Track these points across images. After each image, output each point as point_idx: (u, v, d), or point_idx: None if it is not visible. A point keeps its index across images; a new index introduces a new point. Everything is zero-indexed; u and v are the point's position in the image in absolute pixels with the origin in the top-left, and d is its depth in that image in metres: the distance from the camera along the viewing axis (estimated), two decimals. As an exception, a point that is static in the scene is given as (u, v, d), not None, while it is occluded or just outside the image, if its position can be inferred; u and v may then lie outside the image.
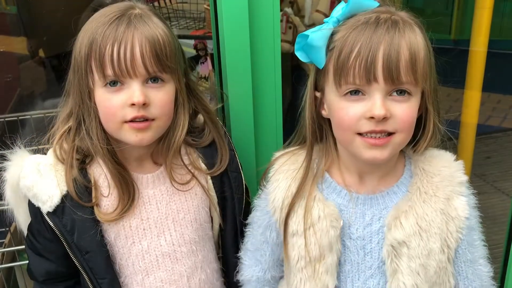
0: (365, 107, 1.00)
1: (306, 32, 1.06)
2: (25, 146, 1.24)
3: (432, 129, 1.10)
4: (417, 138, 1.11)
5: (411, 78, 0.99)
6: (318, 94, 1.12)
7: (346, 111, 1.02)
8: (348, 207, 1.13)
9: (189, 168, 1.27)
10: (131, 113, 1.11)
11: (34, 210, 1.19)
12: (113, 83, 1.10)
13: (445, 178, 1.12)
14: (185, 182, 1.26)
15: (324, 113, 1.12)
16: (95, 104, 1.14)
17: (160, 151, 1.24)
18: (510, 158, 3.74)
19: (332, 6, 3.52)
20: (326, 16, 3.52)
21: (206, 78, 3.18)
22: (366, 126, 1.01)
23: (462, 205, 1.11)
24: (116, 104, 1.11)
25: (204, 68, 3.17)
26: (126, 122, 1.12)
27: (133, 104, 1.09)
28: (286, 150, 1.24)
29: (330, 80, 1.05)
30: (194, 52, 3.12)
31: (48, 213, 1.17)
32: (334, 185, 1.15)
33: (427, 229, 1.08)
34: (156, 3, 3.15)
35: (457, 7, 5.31)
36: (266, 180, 1.23)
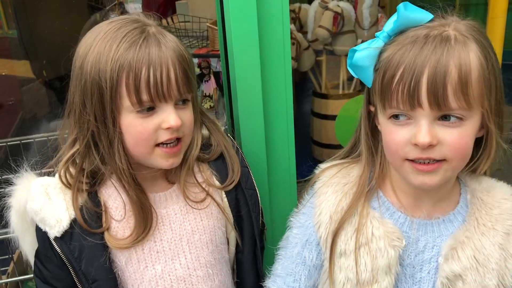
0: (411, 133, 0.94)
1: (354, 48, 1.01)
2: (30, 169, 1.19)
3: (495, 148, 1.01)
4: (475, 158, 1.03)
5: (462, 102, 0.90)
6: (372, 108, 1.06)
7: (393, 135, 0.97)
8: (402, 230, 1.05)
9: (203, 186, 1.22)
10: (165, 136, 1.08)
11: (41, 235, 1.13)
12: (148, 108, 1.06)
13: (505, 211, 1.04)
14: (199, 200, 1.21)
15: (379, 127, 1.06)
16: (120, 129, 1.08)
17: (174, 169, 1.19)
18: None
19: (335, 21, 3.53)
20: (329, 31, 3.53)
21: (210, 97, 3.16)
22: (413, 153, 0.94)
23: None
24: (149, 128, 1.07)
25: (208, 87, 3.15)
26: (157, 145, 1.09)
27: (168, 128, 1.07)
28: (335, 163, 1.17)
29: (378, 100, 0.99)
30: (198, 70, 3.10)
31: (56, 238, 1.11)
32: (388, 204, 1.08)
33: (485, 264, 1.01)
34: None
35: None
36: (308, 193, 1.15)
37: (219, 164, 1.25)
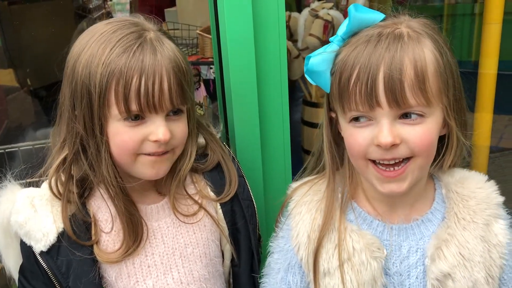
0: (373, 134, 0.92)
1: (309, 55, 0.98)
2: (15, 180, 1.13)
3: (456, 144, 1.01)
4: (441, 155, 1.03)
5: (420, 99, 0.89)
6: (333, 114, 1.04)
7: (355, 137, 0.95)
8: (382, 239, 1.03)
9: (196, 198, 1.17)
10: (152, 148, 1.03)
11: (26, 250, 1.07)
12: (135, 117, 1.01)
13: (482, 200, 1.03)
14: (191, 213, 1.16)
15: (342, 133, 1.04)
16: (107, 137, 1.03)
17: (165, 180, 1.15)
18: (510, 178, 3.70)
19: (325, 29, 3.52)
20: (319, 39, 3.52)
21: (200, 105, 3.12)
22: (376, 154, 0.93)
23: (502, 229, 1.02)
24: (135, 138, 1.01)
25: (198, 94, 3.12)
26: (142, 153, 1.04)
27: (155, 141, 1.02)
28: (305, 180, 1.14)
29: (337, 104, 0.98)
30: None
31: (42, 253, 1.05)
32: (364, 215, 1.05)
33: (471, 258, 0.99)
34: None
35: (445, 30, 5.39)
36: (283, 216, 1.12)
37: (215, 175, 1.20)
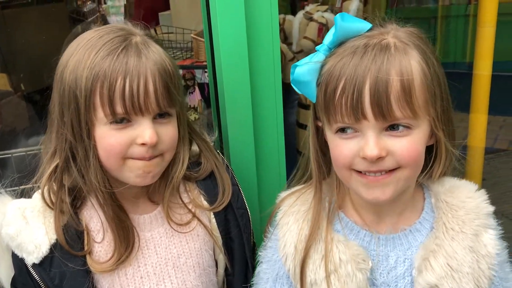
0: (358, 145, 0.91)
1: (295, 64, 0.98)
2: (7, 187, 1.12)
3: (445, 155, 1.00)
4: (429, 165, 1.02)
5: (407, 111, 0.88)
6: (320, 123, 1.03)
7: (340, 149, 0.94)
8: (369, 249, 1.02)
9: (189, 207, 1.16)
10: (139, 153, 1.01)
11: (18, 262, 1.06)
12: (121, 120, 1.00)
13: (471, 210, 1.02)
14: (185, 222, 1.15)
15: (329, 143, 1.02)
16: (94, 141, 1.02)
17: (158, 188, 1.13)
18: (505, 179, 3.71)
19: (320, 32, 3.51)
20: (314, 42, 3.51)
21: (195, 109, 3.10)
22: (361, 166, 0.92)
23: (492, 240, 1.01)
24: (122, 141, 1.00)
25: (193, 98, 3.10)
26: (130, 158, 1.02)
27: (143, 144, 1.00)
28: (293, 190, 1.13)
29: (323, 115, 0.97)
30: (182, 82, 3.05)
31: (34, 265, 1.04)
32: (351, 225, 1.04)
33: (459, 269, 0.98)
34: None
35: (439, 31, 5.40)
36: (272, 225, 1.11)
37: (208, 184, 1.19)
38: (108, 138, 1.00)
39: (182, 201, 1.16)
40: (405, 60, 0.89)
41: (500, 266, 1.02)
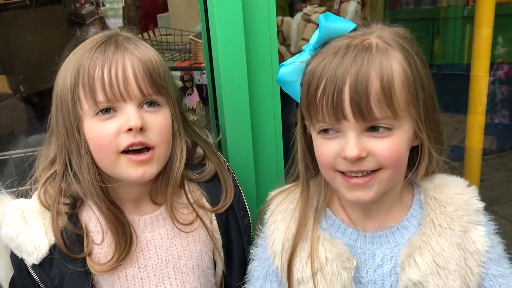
0: (340, 146, 0.92)
1: (282, 63, 0.98)
2: (5, 188, 1.12)
3: (428, 158, 0.99)
4: (416, 164, 1.01)
5: (387, 112, 0.88)
6: (307, 123, 1.03)
7: (323, 149, 0.95)
8: (355, 247, 1.02)
9: (194, 206, 1.16)
10: (127, 140, 1.00)
11: (18, 262, 1.07)
12: (106, 110, 1.01)
13: (460, 206, 1.01)
14: (188, 222, 1.15)
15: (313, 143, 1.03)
16: (85, 137, 1.03)
17: (159, 188, 1.13)
18: (503, 180, 3.71)
19: (318, 34, 3.52)
20: (313, 44, 3.53)
21: (193, 110, 3.10)
22: (343, 166, 0.92)
23: (481, 236, 0.99)
24: (109, 132, 1.00)
25: (191, 100, 3.10)
26: (123, 153, 1.01)
27: (129, 130, 0.99)
28: (282, 188, 1.14)
29: (306, 115, 0.97)
30: (180, 83, 3.05)
31: (34, 266, 1.04)
32: (338, 223, 1.05)
33: (445, 266, 0.97)
34: (139, 36, 3.10)
35: (437, 33, 5.40)
36: (262, 224, 1.12)
37: (210, 185, 1.19)
38: (96, 131, 1.01)
39: (188, 200, 1.16)
40: (386, 61, 0.89)
41: (496, 263, 1.01)
